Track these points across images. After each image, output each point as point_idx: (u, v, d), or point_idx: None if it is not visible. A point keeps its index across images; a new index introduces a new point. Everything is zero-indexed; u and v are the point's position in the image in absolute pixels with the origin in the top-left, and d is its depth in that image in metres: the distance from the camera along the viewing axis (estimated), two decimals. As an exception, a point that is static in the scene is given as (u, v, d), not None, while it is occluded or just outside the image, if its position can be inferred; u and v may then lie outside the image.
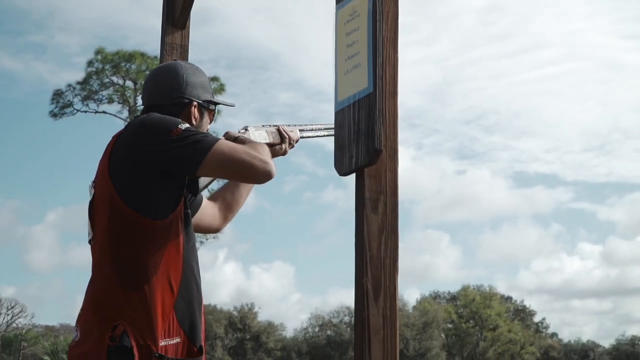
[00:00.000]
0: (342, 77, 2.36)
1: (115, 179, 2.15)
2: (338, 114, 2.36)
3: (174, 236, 2.17)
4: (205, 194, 2.66)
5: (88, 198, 2.27)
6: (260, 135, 2.65)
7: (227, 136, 2.41)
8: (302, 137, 2.80)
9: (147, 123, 2.19)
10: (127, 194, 2.13)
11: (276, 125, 2.72)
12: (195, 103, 2.39)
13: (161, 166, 2.13)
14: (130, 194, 2.13)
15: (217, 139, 2.17)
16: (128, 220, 2.12)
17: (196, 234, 2.42)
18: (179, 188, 2.20)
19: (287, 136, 2.68)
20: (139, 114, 2.33)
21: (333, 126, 2.43)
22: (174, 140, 2.12)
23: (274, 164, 2.20)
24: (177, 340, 2.15)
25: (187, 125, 2.19)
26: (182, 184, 2.20)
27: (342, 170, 2.30)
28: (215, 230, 2.71)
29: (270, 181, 2.21)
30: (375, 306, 2.15)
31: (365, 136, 2.19)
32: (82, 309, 2.20)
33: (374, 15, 2.22)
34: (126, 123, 2.23)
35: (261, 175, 2.17)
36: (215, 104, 2.49)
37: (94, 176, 2.26)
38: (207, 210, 2.63)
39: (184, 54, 3.77)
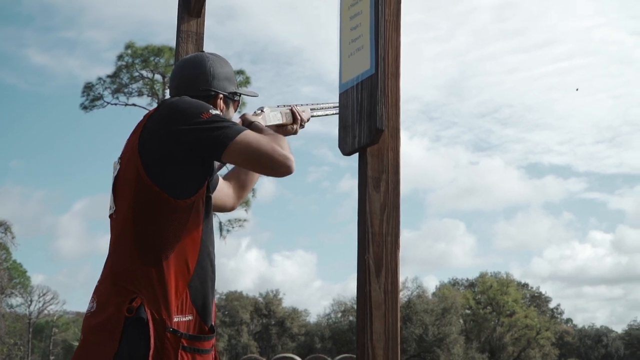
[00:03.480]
0: (346, 60, 2.41)
1: (143, 155, 2.19)
2: (342, 95, 2.42)
3: (195, 217, 2.22)
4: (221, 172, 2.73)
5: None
6: (275, 117, 2.72)
7: (244, 119, 2.48)
8: (313, 116, 2.88)
9: (180, 104, 2.23)
10: (153, 170, 2.18)
11: (289, 106, 2.79)
12: (221, 95, 2.44)
13: (188, 147, 2.17)
14: (156, 171, 2.18)
15: (244, 129, 2.20)
16: (152, 196, 2.17)
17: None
18: (205, 171, 2.24)
19: (299, 117, 2.77)
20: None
21: None
22: (203, 122, 2.16)
23: (294, 159, 2.22)
24: (189, 317, 2.19)
25: (218, 112, 2.23)
26: (208, 167, 2.25)
27: (346, 150, 2.36)
28: (230, 209, 2.77)
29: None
30: (377, 282, 2.20)
31: (368, 116, 2.24)
32: (100, 281, 2.25)
33: (376, -1, 2.27)
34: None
35: (282, 170, 2.20)
36: (240, 95, 2.54)
37: (121, 152, 2.31)
38: (223, 190, 2.68)
39: (199, 42, 3.83)
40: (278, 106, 2.77)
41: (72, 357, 2.25)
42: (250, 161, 2.21)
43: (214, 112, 2.21)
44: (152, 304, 2.12)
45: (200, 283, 2.23)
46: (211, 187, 2.59)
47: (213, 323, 2.29)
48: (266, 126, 2.66)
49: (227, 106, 2.48)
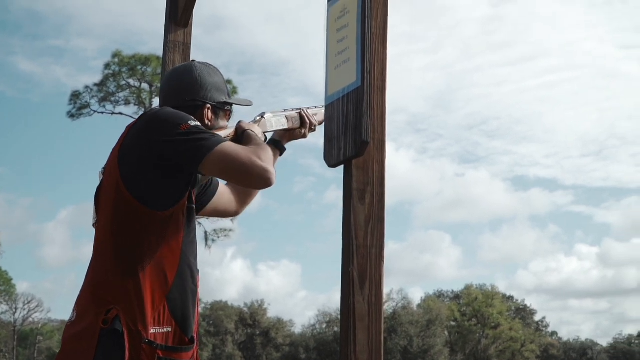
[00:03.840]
0: (332, 72, 2.42)
1: (122, 167, 2.19)
2: (328, 107, 2.43)
3: (174, 229, 2.21)
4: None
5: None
6: (279, 122, 2.67)
7: (238, 126, 2.44)
8: None
9: (159, 115, 2.23)
10: (132, 182, 2.17)
11: (299, 110, 2.75)
12: (209, 105, 2.41)
13: (166, 159, 2.16)
14: (134, 183, 2.17)
15: (224, 140, 2.18)
16: (130, 207, 2.16)
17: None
18: (185, 182, 2.23)
19: (307, 121, 2.72)
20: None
21: None
22: (181, 134, 2.15)
23: (275, 172, 2.21)
24: (168, 329, 2.18)
25: (198, 123, 2.21)
26: (188, 178, 2.23)
27: (331, 162, 2.37)
28: (233, 214, 2.76)
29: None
30: (360, 294, 2.20)
31: (353, 129, 2.25)
32: (81, 291, 2.25)
33: (364, 12, 2.28)
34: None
35: (259, 182, 2.19)
36: (231, 104, 2.51)
37: (105, 163, 2.30)
38: (225, 196, 2.67)
39: (186, 52, 3.85)
40: (285, 110, 2.71)
41: None
42: (227, 173, 2.20)
43: (193, 123, 2.19)
44: (128, 315, 2.12)
45: (179, 295, 2.22)
46: (210, 192, 2.59)
47: (194, 334, 2.28)
48: (270, 132, 2.64)
49: (217, 116, 2.45)
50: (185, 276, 2.24)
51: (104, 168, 2.30)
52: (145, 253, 2.16)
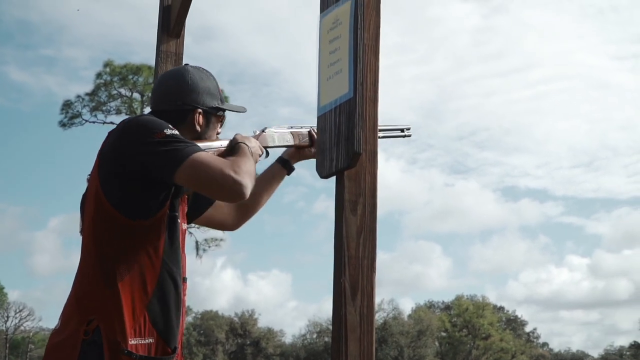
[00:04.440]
0: (325, 83, 2.43)
1: (101, 176, 2.18)
2: (320, 118, 2.43)
3: (154, 238, 2.18)
4: None
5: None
6: (282, 138, 2.63)
7: (234, 138, 2.39)
8: None
9: (134, 123, 2.20)
10: (110, 191, 2.16)
11: (308, 128, 2.71)
12: (199, 110, 2.37)
13: (141, 168, 2.13)
14: (112, 192, 2.15)
15: (198, 150, 2.14)
16: (109, 217, 2.14)
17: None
18: (165, 191, 2.19)
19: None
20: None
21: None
22: (155, 144, 2.11)
23: (250, 185, 2.15)
24: (149, 340, 2.16)
25: (175, 132, 2.17)
26: (168, 187, 2.20)
27: (323, 173, 2.37)
28: (230, 228, 2.72)
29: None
30: (352, 305, 2.20)
31: (345, 140, 2.25)
32: (67, 299, 2.24)
33: (356, 24, 2.29)
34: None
35: (230, 195, 2.14)
36: (224, 110, 2.47)
37: (91, 170, 2.28)
38: (222, 208, 2.64)
39: (178, 62, 3.86)
40: (292, 127, 2.67)
41: None
42: (198, 184, 2.13)
43: (169, 132, 2.14)
44: (108, 326, 2.10)
45: (160, 305, 2.19)
46: (205, 202, 2.56)
47: (178, 345, 2.26)
48: (272, 147, 2.60)
49: (208, 122, 2.41)
50: (166, 286, 2.21)
51: (89, 175, 2.28)
52: (124, 263, 2.14)
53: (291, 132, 2.66)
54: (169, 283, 2.22)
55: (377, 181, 2.30)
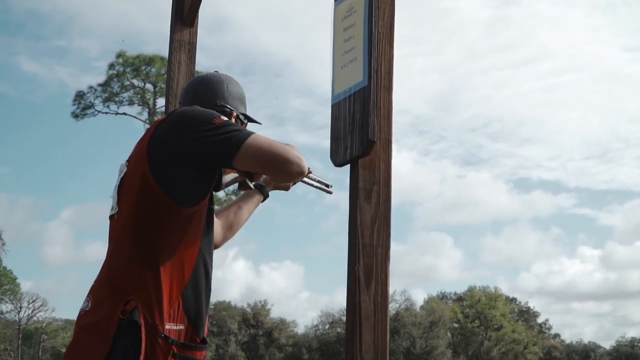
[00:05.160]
0: (339, 71, 2.42)
1: (151, 158, 2.19)
2: (334, 106, 2.43)
3: (195, 227, 2.21)
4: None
5: (106, 192, 2.32)
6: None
7: None
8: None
9: (191, 111, 2.24)
10: (160, 174, 2.17)
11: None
12: (235, 113, 2.46)
13: (198, 153, 2.17)
14: (163, 176, 2.17)
15: (254, 133, 2.20)
16: (156, 200, 2.16)
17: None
18: (210, 182, 2.24)
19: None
20: (159, 115, 2.37)
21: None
22: (214, 128, 2.17)
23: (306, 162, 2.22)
24: (181, 326, 2.18)
25: (227, 118, 2.24)
26: (213, 178, 2.25)
27: (337, 161, 2.37)
28: (215, 247, 2.77)
29: None
30: (366, 293, 2.21)
31: (360, 128, 2.25)
32: (96, 281, 2.25)
33: (370, 12, 2.28)
34: (146, 123, 2.26)
35: (295, 171, 2.20)
36: (249, 119, 2.55)
37: (129, 156, 2.31)
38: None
39: (192, 51, 3.85)
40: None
41: (64, 355, 2.24)
42: (262, 164, 2.20)
43: (224, 118, 2.21)
44: (146, 308, 2.11)
45: (193, 293, 2.22)
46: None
47: (205, 335, 2.28)
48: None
49: None
50: (200, 275, 2.25)
51: (127, 161, 2.31)
52: (167, 247, 2.16)
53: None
54: (202, 272, 2.25)
55: (391, 169, 2.30)
